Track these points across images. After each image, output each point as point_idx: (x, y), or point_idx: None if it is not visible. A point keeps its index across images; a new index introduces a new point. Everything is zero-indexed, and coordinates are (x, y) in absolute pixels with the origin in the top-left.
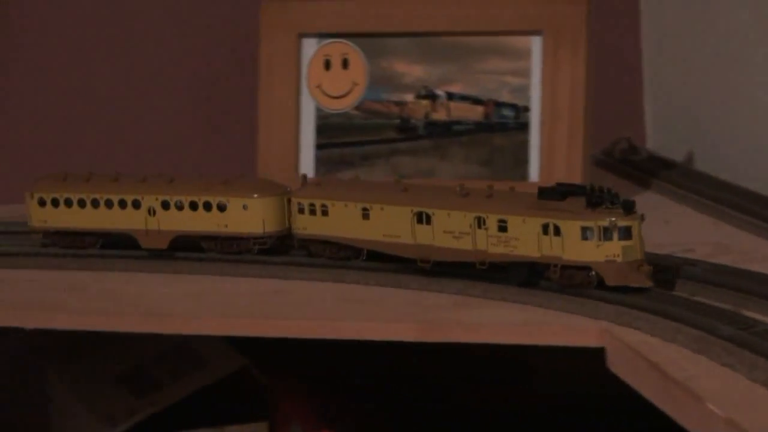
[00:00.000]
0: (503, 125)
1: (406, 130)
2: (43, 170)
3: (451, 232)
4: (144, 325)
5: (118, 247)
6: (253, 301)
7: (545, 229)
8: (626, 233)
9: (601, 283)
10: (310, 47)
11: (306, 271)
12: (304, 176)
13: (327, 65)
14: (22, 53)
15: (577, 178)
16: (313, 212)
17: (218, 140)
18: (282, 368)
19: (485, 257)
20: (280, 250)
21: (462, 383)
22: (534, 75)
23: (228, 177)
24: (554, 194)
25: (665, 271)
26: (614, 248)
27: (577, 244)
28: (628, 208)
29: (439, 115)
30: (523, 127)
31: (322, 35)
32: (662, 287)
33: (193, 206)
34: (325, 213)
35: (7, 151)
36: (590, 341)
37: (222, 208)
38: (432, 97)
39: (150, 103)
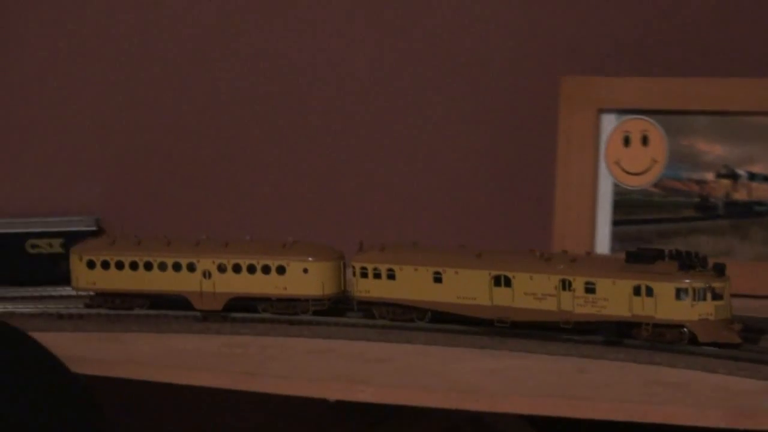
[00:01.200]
0: None
1: (705, 208)
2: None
3: (533, 293)
4: (450, 400)
5: (167, 307)
6: (555, 379)
7: (637, 290)
8: (718, 294)
9: (692, 340)
10: (609, 123)
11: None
12: (361, 242)
13: (626, 141)
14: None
15: None
16: (377, 276)
17: (510, 211)
18: None
19: (570, 317)
20: (336, 311)
21: None
22: None
23: (283, 241)
24: (644, 258)
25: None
26: (708, 308)
27: (671, 303)
28: (720, 271)
29: (740, 195)
30: None
31: (622, 111)
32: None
33: (251, 269)
34: (391, 277)
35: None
36: None
37: (281, 271)
38: (733, 176)
39: (442, 172)
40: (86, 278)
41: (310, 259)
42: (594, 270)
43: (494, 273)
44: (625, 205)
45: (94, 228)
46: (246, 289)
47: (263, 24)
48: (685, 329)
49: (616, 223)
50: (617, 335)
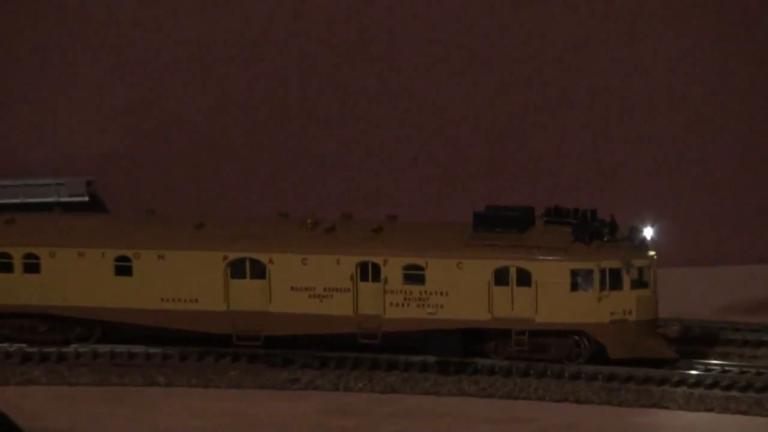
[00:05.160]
0: None
1: None
2: None
3: (308, 289)
4: None
5: None
6: None
7: (500, 275)
8: (641, 278)
9: (596, 356)
10: None
11: None
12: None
13: None
14: None
15: None
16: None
17: None
18: None
19: (376, 325)
20: None
21: None
22: None
23: None
24: (507, 222)
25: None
26: (624, 302)
27: (562, 297)
28: (640, 241)
29: None
30: None
31: None
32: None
33: None
34: (32, 268)
35: None
36: None
37: None
38: None
39: None
40: None
41: None
42: (421, 246)
43: (232, 256)
44: None
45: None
46: None
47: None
48: (584, 338)
49: None
50: (463, 353)
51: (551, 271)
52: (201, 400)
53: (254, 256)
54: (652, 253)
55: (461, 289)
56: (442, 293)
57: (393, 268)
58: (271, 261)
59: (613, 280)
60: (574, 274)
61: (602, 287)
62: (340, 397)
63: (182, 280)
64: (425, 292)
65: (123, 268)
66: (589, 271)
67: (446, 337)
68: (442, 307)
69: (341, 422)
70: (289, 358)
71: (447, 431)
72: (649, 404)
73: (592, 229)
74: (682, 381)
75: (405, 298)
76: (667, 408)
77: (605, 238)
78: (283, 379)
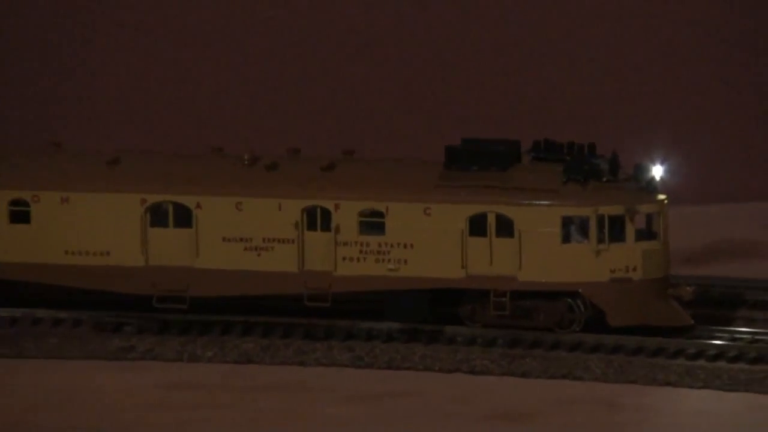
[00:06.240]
0: None
1: None
2: None
3: (243, 239)
4: None
5: None
6: None
7: (477, 224)
8: (649, 228)
9: (593, 322)
10: None
11: None
12: None
13: None
14: None
15: None
16: None
17: None
18: None
19: (327, 285)
20: None
21: None
22: None
23: None
24: (487, 157)
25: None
26: (628, 256)
27: (551, 250)
28: (648, 181)
29: None
30: None
31: None
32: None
33: None
34: None
35: None
36: None
37: None
38: None
39: None
40: None
41: None
42: (380, 187)
43: (151, 199)
44: None
45: None
46: None
47: None
48: (579, 301)
49: None
50: (433, 320)
51: (538, 219)
52: (11, 375)
53: (178, 199)
54: (662, 196)
55: (429, 241)
56: (405, 245)
57: (346, 215)
58: (198, 205)
59: (614, 230)
60: (566, 222)
61: (600, 238)
62: (185, 368)
63: (91, 229)
64: (385, 243)
65: (18, 214)
66: (585, 219)
67: (411, 299)
68: (405, 262)
69: (185, 397)
70: (122, 322)
71: (301, 411)
72: (560, 375)
73: (589, 167)
74: (598, 347)
75: (361, 252)
76: (582, 379)
77: (604, 179)
78: (114, 348)
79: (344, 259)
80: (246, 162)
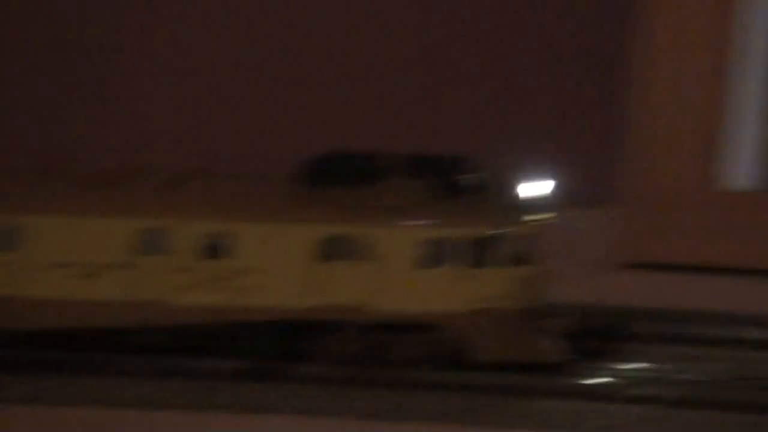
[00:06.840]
0: None
1: None
2: None
3: (68, 264)
4: None
5: None
6: None
7: (326, 247)
8: (520, 251)
9: (454, 358)
10: None
11: None
12: None
13: None
14: None
15: None
16: None
17: None
18: None
19: (159, 317)
20: None
21: None
22: None
23: None
24: (347, 173)
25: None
26: (494, 284)
27: (406, 276)
28: (521, 198)
29: None
30: None
31: None
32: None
33: None
34: None
35: None
36: None
37: None
38: None
39: None
40: None
41: None
42: (223, 206)
43: None
44: None
45: None
46: None
47: None
48: (437, 333)
49: None
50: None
51: (393, 241)
52: None
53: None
54: (537, 216)
55: (275, 267)
56: (249, 272)
57: (185, 237)
58: (22, 226)
59: (478, 255)
60: (424, 245)
61: (461, 263)
62: None
63: None
64: (225, 270)
65: None
66: (442, 241)
67: (257, 333)
68: (250, 291)
69: None
70: None
71: None
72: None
73: (455, 184)
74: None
75: (198, 279)
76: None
77: (473, 197)
78: None
79: (181, 287)
80: (78, 178)
